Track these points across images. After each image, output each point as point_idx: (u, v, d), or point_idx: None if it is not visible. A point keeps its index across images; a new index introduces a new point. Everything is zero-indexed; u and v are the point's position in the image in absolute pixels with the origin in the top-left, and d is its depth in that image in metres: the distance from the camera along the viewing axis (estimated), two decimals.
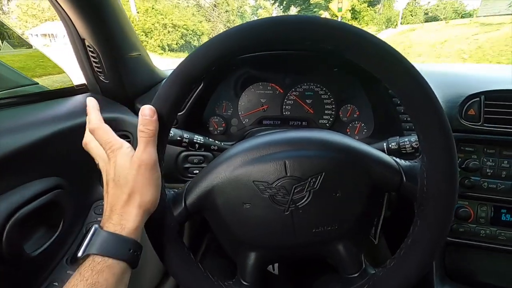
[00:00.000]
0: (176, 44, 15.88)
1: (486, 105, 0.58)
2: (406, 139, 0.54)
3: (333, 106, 0.80)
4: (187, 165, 0.72)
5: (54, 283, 0.51)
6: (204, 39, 17.02)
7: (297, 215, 0.38)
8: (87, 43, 0.63)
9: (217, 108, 0.83)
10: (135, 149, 0.35)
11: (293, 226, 0.38)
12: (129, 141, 0.37)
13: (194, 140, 0.58)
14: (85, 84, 0.74)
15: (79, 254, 0.32)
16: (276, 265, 0.80)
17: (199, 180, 0.40)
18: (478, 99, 0.59)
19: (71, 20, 0.60)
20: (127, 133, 0.68)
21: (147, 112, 0.34)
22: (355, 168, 0.39)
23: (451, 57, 7.13)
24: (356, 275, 0.40)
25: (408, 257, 0.37)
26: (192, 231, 0.90)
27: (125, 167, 0.34)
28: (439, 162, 0.34)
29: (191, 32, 16.85)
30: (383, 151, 0.53)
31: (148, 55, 0.80)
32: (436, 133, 0.33)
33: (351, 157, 0.39)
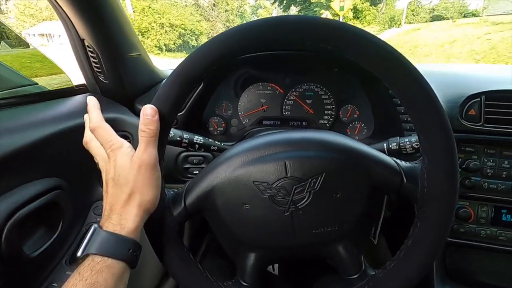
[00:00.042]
0: (174, 44, 15.58)
1: (486, 105, 0.58)
2: (407, 140, 0.54)
3: (333, 106, 0.80)
4: (187, 166, 0.72)
5: (54, 284, 0.51)
6: (203, 39, 16.76)
7: (297, 215, 0.38)
8: (86, 43, 0.63)
9: (217, 109, 0.83)
10: (135, 149, 0.35)
11: (293, 227, 0.38)
12: (128, 141, 0.37)
13: (194, 141, 0.58)
14: (84, 84, 0.74)
15: (78, 253, 0.32)
16: (276, 265, 0.80)
17: (199, 180, 0.40)
18: (478, 99, 0.59)
19: (70, 20, 0.60)
20: (126, 134, 0.68)
21: (148, 111, 0.34)
22: (356, 169, 0.38)
23: (462, 58, 6.73)
24: (355, 276, 0.40)
25: (409, 258, 0.36)
26: (192, 231, 0.90)
27: (125, 167, 0.34)
28: (439, 163, 0.34)
29: (189, 32, 16.56)
30: (383, 151, 0.53)
31: (148, 55, 0.79)
32: (437, 134, 0.33)
33: (352, 158, 0.39)
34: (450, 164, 0.34)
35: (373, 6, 16.87)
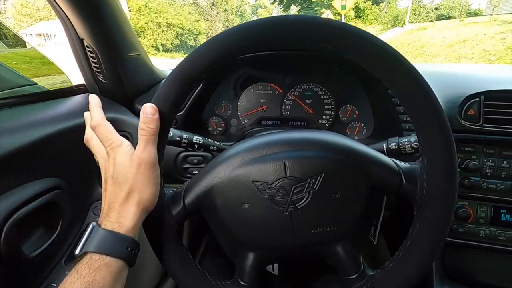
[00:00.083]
0: (171, 44, 15.34)
1: (486, 105, 0.58)
2: (406, 140, 0.54)
3: (333, 106, 0.80)
4: (186, 166, 0.72)
5: (53, 284, 0.51)
6: (201, 38, 16.52)
7: (296, 215, 0.38)
8: (85, 43, 0.63)
9: (217, 109, 0.83)
10: (135, 148, 0.35)
11: (292, 227, 0.38)
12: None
13: (193, 141, 0.58)
14: (83, 84, 0.74)
15: (77, 251, 0.32)
16: (276, 265, 0.80)
17: (198, 180, 0.40)
18: (477, 99, 0.59)
19: (69, 20, 0.60)
20: (126, 133, 0.68)
21: (149, 110, 0.34)
22: (355, 169, 0.38)
23: (474, 59, 6.41)
24: (354, 276, 0.40)
25: (407, 259, 0.36)
26: (191, 231, 0.90)
27: (124, 165, 0.34)
28: (438, 162, 0.34)
29: (187, 32, 16.29)
30: (382, 151, 0.53)
31: (147, 55, 0.79)
32: (436, 133, 0.33)
33: (351, 158, 0.39)
34: (448, 164, 0.34)
35: (375, 5, 16.63)
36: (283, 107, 0.82)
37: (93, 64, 0.67)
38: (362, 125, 0.78)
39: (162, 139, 0.37)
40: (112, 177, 0.35)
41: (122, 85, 0.70)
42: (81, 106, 0.65)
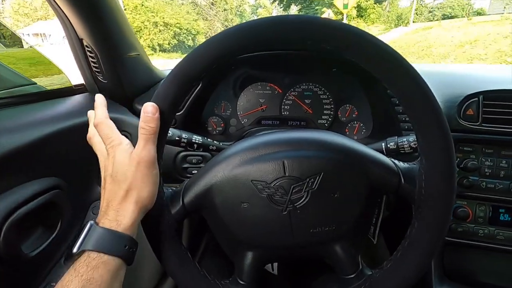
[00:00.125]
0: (168, 44, 14.90)
1: (484, 105, 0.58)
2: (405, 139, 0.54)
3: (332, 106, 0.80)
4: (185, 165, 0.72)
5: (52, 284, 0.51)
6: (200, 38, 16.21)
7: (295, 215, 0.38)
8: (85, 43, 0.63)
9: (216, 108, 0.83)
10: (134, 147, 0.36)
11: (290, 226, 0.38)
12: None
13: (193, 140, 0.58)
14: (83, 84, 0.73)
15: (74, 250, 0.32)
16: (275, 265, 0.80)
17: (197, 179, 0.40)
18: (476, 99, 0.59)
19: (69, 20, 0.60)
20: (125, 133, 0.67)
21: (149, 109, 0.34)
22: (354, 169, 0.39)
23: (488, 60, 5.98)
24: (352, 276, 0.40)
25: (406, 258, 0.37)
26: (191, 230, 0.90)
27: (123, 163, 0.35)
28: (437, 162, 0.34)
29: (185, 31, 15.87)
30: (381, 151, 0.54)
31: (146, 55, 0.79)
32: (435, 133, 0.34)
33: (350, 158, 0.39)
34: (447, 164, 0.34)
35: (377, 4, 16.39)
36: (283, 107, 0.82)
37: (92, 64, 0.67)
38: (361, 125, 0.78)
39: (161, 138, 0.37)
40: (111, 175, 0.35)
41: (122, 85, 0.70)
42: (80, 106, 0.65)
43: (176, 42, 15.45)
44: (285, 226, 0.38)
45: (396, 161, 0.41)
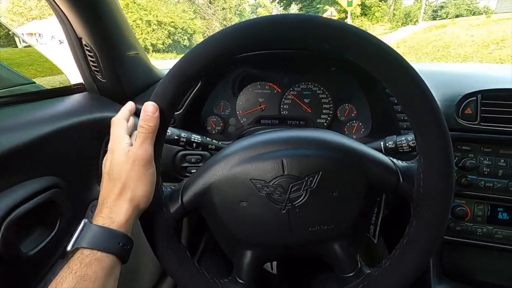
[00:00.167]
0: (163, 43, 14.32)
1: (482, 104, 0.59)
2: (403, 138, 0.54)
3: (331, 105, 0.80)
4: (184, 164, 0.72)
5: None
6: (197, 37, 15.81)
7: (294, 214, 0.38)
8: (84, 42, 0.63)
9: (215, 108, 0.83)
10: None
11: (289, 225, 0.38)
12: None
13: (192, 139, 0.58)
14: (82, 83, 0.73)
15: (68, 248, 0.33)
16: (274, 264, 0.80)
17: (196, 178, 0.40)
18: (474, 98, 0.59)
19: (68, 19, 0.60)
20: None
21: (149, 108, 0.35)
22: (353, 168, 0.39)
23: None
24: (351, 274, 0.40)
25: (404, 257, 0.37)
26: (190, 229, 0.90)
27: (120, 161, 0.35)
28: (435, 161, 0.34)
29: (181, 31, 15.24)
30: (380, 150, 0.54)
31: (145, 54, 0.79)
32: (433, 132, 0.34)
33: (349, 157, 0.39)
34: (445, 163, 0.34)
35: (382, 1, 15.84)
36: (282, 106, 0.82)
37: (91, 63, 0.67)
38: (360, 124, 0.79)
39: (160, 138, 0.37)
40: (107, 172, 0.36)
41: (121, 84, 0.70)
42: (79, 105, 0.65)
43: (171, 41, 15.00)
44: (284, 225, 0.38)
45: (395, 160, 0.41)
